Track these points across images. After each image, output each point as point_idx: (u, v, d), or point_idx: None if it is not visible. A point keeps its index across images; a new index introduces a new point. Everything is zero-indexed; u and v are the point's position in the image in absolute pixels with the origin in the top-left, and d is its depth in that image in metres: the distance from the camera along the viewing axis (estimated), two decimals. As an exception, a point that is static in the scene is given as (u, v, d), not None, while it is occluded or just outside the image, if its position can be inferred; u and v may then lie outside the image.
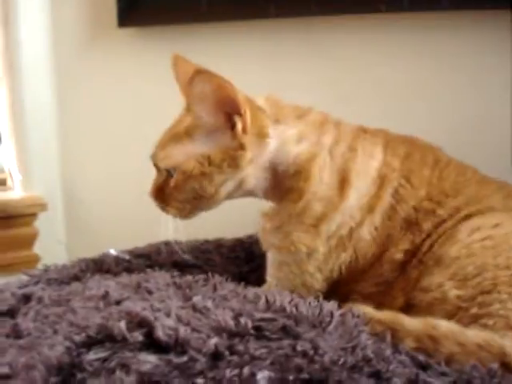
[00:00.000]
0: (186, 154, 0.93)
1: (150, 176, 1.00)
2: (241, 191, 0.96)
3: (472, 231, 0.87)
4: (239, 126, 0.90)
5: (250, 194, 0.99)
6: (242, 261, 1.19)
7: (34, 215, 1.64)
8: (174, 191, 0.95)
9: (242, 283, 0.88)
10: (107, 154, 1.65)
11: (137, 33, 1.56)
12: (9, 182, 1.72)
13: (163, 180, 0.97)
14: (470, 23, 1.31)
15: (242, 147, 0.91)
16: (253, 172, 0.94)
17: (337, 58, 1.42)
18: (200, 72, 0.88)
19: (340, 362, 0.63)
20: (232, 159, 0.92)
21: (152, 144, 0.98)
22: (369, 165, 0.95)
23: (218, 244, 1.24)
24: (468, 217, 0.90)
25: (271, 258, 0.99)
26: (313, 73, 1.44)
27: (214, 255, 1.18)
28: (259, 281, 1.01)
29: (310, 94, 1.40)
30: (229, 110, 0.91)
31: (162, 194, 0.97)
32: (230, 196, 0.96)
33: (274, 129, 0.95)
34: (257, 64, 1.47)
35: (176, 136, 0.95)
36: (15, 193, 1.69)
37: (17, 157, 1.68)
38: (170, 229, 1.00)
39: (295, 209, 0.94)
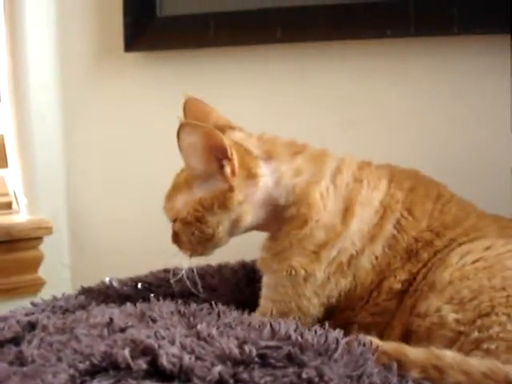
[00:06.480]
0: (184, 203, 0.98)
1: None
2: (241, 228, 0.99)
3: (463, 255, 0.88)
4: (228, 169, 0.94)
5: (253, 229, 1.02)
6: (244, 285, 1.19)
7: (39, 239, 1.64)
8: (181, 237, 1.00)
9: (247, 311, 0.88)
10: (113, 177, 1.65)
11: (143, 57, 1.57)
12: (14, 206, 1.72)
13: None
14: (470, 48, 1.31)
15: (231, 189, 0.94)
16: (248, 210, 0.97)
17: (342, 84, 1.42)
18: (184, 125, 0.91)
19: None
20: (221, 201, 0.95)
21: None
22: (373, 196, 0.97)
23: (220, 268, 1.23)
24: (460, 244, 0.92)
25: (267, 281, 1.00)
26: (317, 98, 1.44)
27: (216, 280, 1.18)
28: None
29: (316, 119, 1.42)
30: (219, 155, 0.94)
31: (178, 240, 1.02)
32: (232, 234, 1.00)
33: (267, 166, 0.98)
34: (263, 89, 1.48)
35: (178, 187, 1.01)
36: (20, 216, 1.69)
37: (22, 180, 1.69)
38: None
39: (297, 235, 0.96)
